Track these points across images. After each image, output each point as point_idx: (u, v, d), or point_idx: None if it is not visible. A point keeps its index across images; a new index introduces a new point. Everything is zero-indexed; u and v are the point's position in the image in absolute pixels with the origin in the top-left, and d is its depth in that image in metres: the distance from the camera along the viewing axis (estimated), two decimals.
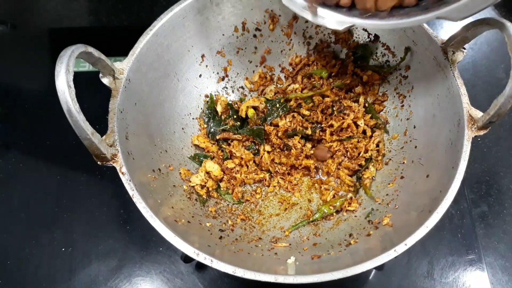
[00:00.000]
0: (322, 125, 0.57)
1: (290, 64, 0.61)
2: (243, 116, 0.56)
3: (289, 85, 0.60)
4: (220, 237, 0.46)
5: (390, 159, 0.54)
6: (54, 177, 0.62)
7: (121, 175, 0.40)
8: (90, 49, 0.39)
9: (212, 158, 0.56)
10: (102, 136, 0.40)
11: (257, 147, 0.57)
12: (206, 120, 0.58)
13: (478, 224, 0.58)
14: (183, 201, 0.49)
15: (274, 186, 0.56)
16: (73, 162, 0.62)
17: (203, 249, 0.38)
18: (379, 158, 0.54)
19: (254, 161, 0.57)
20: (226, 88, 0.61)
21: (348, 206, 0.51)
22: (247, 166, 0.56)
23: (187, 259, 0.55)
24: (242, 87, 0.62)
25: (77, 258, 0.56)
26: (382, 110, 0.57)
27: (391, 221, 0.45)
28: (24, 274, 0.55)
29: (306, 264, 0.42)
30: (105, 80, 0.44)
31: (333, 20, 0.43)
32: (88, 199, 0.60)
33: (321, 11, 0.43)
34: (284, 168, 0.56)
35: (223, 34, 0.57)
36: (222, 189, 0.54)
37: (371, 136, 0.55)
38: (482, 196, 0.60)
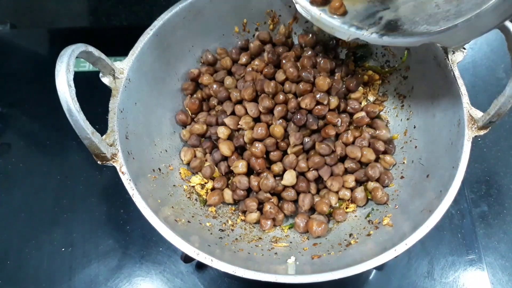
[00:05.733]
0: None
1: None
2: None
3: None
4: (220, 237, 0.46)
5: None
6: (54, 177, 0.62)
7: (121, 175, 0.40)
8: (90, 49, 0.39)
9: None
10: (102, 135, 0.40)
11: None
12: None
13: (478, 224, 0.58)
14: (183, 201, 0.49)
15: None
16: (73, 162, 0.62)
17: (203, 248, 0.38)
18: None
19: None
20: None
21: (346, 209, 0.51)
22: None
23: (187, 259, 0.54)
24: None
25: (77, 258, 0.56)
26: (382, 110, 0.57)
27: (391, 221, 0.45)
28: (24, 274, 0.55)
29: (306, 264, 0.42)
30: (105, 80, 0.44)
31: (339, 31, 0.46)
32: (88, 199, 0.60)
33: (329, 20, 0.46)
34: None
35: (223, 34, 0.57)
36: None
37: None
38: (482, 196, 0.60)
